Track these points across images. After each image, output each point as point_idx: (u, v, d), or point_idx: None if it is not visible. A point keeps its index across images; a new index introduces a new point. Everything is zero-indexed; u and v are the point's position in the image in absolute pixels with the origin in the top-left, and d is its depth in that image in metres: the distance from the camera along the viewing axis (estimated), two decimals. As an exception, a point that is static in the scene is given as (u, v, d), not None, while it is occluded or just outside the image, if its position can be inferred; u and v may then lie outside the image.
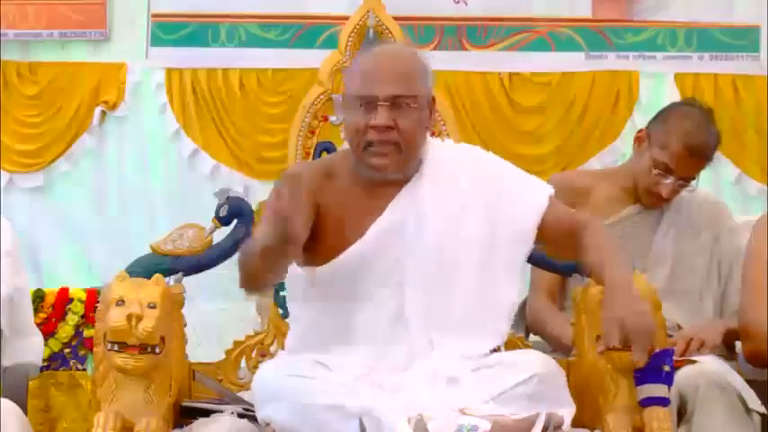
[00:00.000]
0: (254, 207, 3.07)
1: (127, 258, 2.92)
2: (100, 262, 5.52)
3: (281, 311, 3.12)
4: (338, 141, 3.24)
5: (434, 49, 5.59)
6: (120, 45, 5.64)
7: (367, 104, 2.70)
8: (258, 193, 5.07)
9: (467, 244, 2.75)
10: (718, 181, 5.43)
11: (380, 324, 2.71)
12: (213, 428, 2.75)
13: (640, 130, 3.53)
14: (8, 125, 5.56)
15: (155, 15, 5.62)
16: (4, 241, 3.19)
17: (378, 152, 2.72)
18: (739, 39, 5.65)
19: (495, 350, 2.77)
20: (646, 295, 2.70)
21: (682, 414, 2.91)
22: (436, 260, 2.74)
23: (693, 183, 3.43)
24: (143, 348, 2.59)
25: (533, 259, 3.07)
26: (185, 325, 2.83)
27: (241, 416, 2.80)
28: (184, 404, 2.87)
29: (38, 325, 3.63)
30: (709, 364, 2.98)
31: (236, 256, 3.00)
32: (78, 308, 4.74)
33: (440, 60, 5.29)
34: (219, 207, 3.03)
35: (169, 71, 5.63)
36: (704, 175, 3.48)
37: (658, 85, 5.65)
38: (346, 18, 3.36)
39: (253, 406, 2.75)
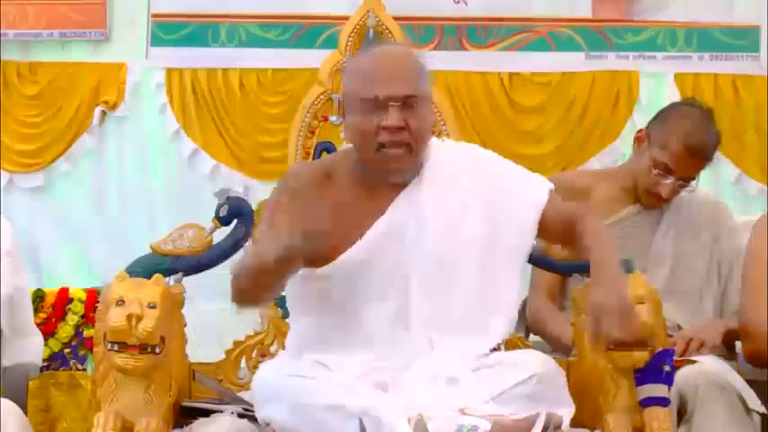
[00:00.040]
0: (254, 207, 3.07)
1: (127, 258, 2.92)
2: (100, 262, 5.52)
3: (281, 311, 3.12)
4: (338, 141, 3.23)
5: (434, 49, 5.58)
6: (120, 45, 5.64)
7: (377, 105, 2.68)
8: (258, 193, 5.06)
9: (467, 244, 2.75)
10: (718, 181, 5.43)
11: (381, 324, 2.71)
12: (213, 428, 2.75)
13: (640, 130, 3.53)
14: (8, 125, 5.56)
15: (155, 15, 5.62)
16: (4, 241, 3.19)
17: (393, 154, 2.71)
18: (739, 39, 5.65)
19: (496, 349, 2.77)
20: (646, 295, 2.70)
21: (682, 414, 2.91)
22: (437, 260, 2.74)
23: (693, 183, 3.43)
24: (143, 348, 2.59)
25: (533, 259, 3.07)
26: (185, 325, 2.83)
27: (241, 416, 2.80)
28: (184, 404, 2.87)
29: (38, 325, 3.63)
30: (709, 364, 2.98)
31: (236, 257, 3.02)
32: (78, 308, 4.75)
33: (440, 60, 5.30)
34: (219, 207, 3.03)
35: (169, 71, 5.63)
36: (704, 175, 3.48)
37: (658, 85, 5.65)
38: (346, 18, 3.36)
39: (253, 406, 2.75)
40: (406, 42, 3.36)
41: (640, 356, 2.68)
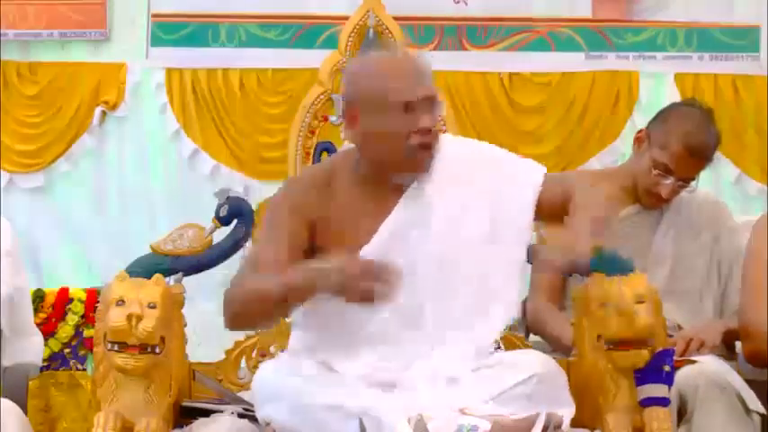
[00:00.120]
0: (254, 207, 3.07)
1: (127, 258, 2.92)
2: (100, 262, 5.52)
3: (280, 311, 3.11)
4: (338, 141, 3.24)
5: (434, 49, 5.59)
6: (120, 45, 5.64)
7: (406, 108, 2.67)
8: (258, 193, 5.07)
9: (470, 241, 2.75)
10: (718, 181, 5.43)
11: (385, 324, 2.70)
12: (213, 428, 2.75)
13: (640, 131, 3.52)
14: (8, 125, 5.56)
15: (155, 15, 5.63)
16: (4, 241, 3.19)
17: (424, 156, 2.72)
18: (739, 39, 5.65)
19: (497, 348, 2.77)
20: (646, 295, 2.70)
21: (682, 414, 2.90)
22: (441, 259, 2.73)
23: (693, 183, 3.43)
24: (143, 348, 2.59)
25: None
26: (185, 325, 2.83)
27: (241, 416, 2.80)
28: (184, 404, 2.87)
29: (38, 325, 3.62)
30: (709, 364, 2.98)
31: (236, 257, 3.02)
32: (78, 308, 4.75)
33: (440, 60, 5.29)
34: (219, 207, 3.03)
35: (169, 71, 5.64)
36: (704, 175, 3.47)
37: (658, 85, 5.65)
38: (346, 18, 3.36)
39: (253, 406, 2.75)
40: (405, 42, 3.36)
41: (640, 356, 2.68)
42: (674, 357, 2.79)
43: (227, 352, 3.12)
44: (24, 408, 3.04)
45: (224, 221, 3.02)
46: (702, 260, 3.47)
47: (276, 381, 2.65)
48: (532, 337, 3.45)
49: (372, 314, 2.68)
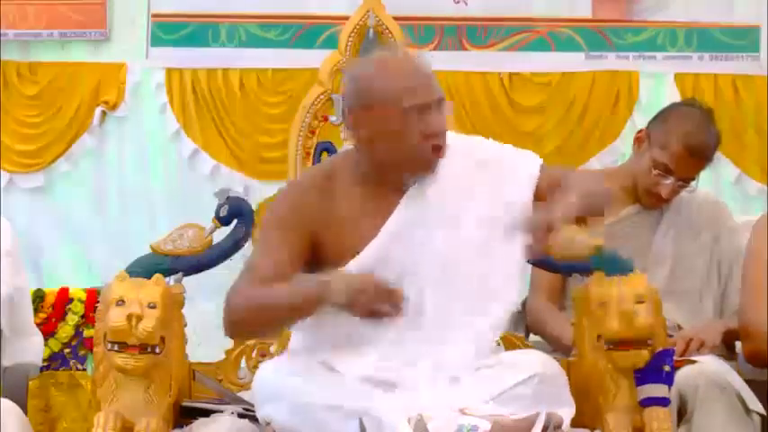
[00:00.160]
0: (254, 207, 3.07)
1: (127, 258, 2.92)
2: (100, 262, 5.52)
3: (280, 311, 3.11)
4: (338, 141, 3.23)
5: (434, 49, 5.59)
6: (120, 45, 5.64)
7: (421, 110, 2.66)
8: (258, 193, 5.07)
9: (470, 242, 2.75)
10: (718, 181, 5.43)
11: (387, 325, 2.70)
12: (213, 428, 2.75)
13: (640, 131, 3.53)
14: (8, 125, 5.56)
15: (155, 15, 5.62)
16: (4, 241, 3.19)
17: (436, 158, 2.72)
18: (739, 39, 5.65)
19: (497, 348, 2.77)
20: (646, 295, 2.70)
21: (682, 414, 2.91)
22: (441, 260, 2.73)
23: (693, 183, 3.43)
24: (143, 348, 2.60)
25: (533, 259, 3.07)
26: (185, 325, 2.83)
27: (241, 416, 2.80)
28: (184, 404, 2.87)
29: (38, 325, 3.62)
30: (709, 364, 2.98)
31: (236, 257, 3.02)
32: (78, 308, 4.75)
33: (440, 60, 5.28)
34: (219, 207, 3.03)
35: (169, 71, 5.64)
36: (704, 175, 3.48)
37: (658, 85, 5.65)
38: (346, 18, 3.36)
39: (253, 406, 2.75)
40: (405, 42, 3.36)
41: (640, 356, 2.68)
42: (674, 357, 2.79)
43: (227, 352, 3.12)
44: (24, 408, 3.04)
45: (224, 221, 3.02)
46: (702, 260, 3.47)
47: (276, 381, 2.65)
48: (532, 337, 3.45)
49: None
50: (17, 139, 5.61)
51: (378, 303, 2.52)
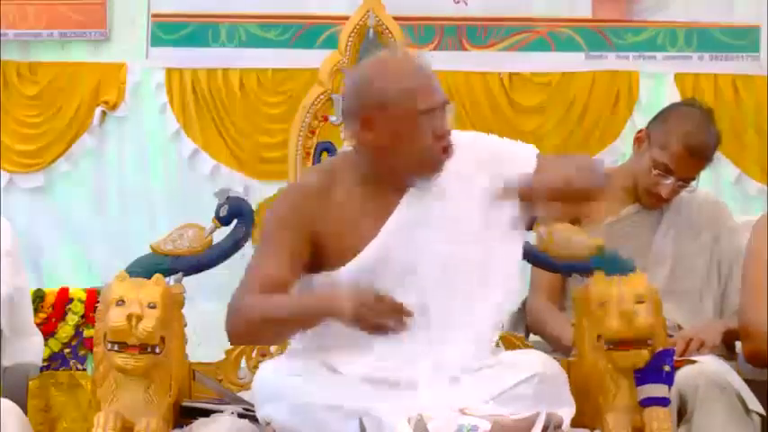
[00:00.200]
0: (254, 207, 3.07)
1: (127, 258, 2.92)
2: (100, 262, 5.52)
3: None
4: (338, 141, 3.23)
5: (434, 49, 5.59)
6: (120, 45, 5.64)
7: (430, 114, 2.67)
8: (258, 193, 5.07)
9: (470, 240, 2.75)
10: (718, 181, 5.42)
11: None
12: (213, 428, 2.75)
13: (640, 131, 3.53)
14: (8, 125, 5.56)
15: (155, 15, 5.62)
16: (4, 241, 3.19)
17: (443, 160, 2.72)
18: (739, 39, 5.65)
19: (497, 348, 2.77)
20: (646, 295, 2.70)
21: (682, 414, 2.91)
22: (442, 259, 2.73)
23: (693, 183, 3.43)
24: (143, 348, 2.60)
25: (533, 259, 3.07)
26: (185, 325, 2.83)
27: (241, 416, 2.80)
28: (184, 404, 2.87)
29: (38, 325, 3.62)
30: (709, 364, 2.98)
31: (236, 256, 3.02)
32: (78, 308, 4.75)
33: (440, 60, 5.28)
34: (219, 207, 3.03)
35: (169, 71, 5.63)
36: (704, 175, 3.48)
37: (658, 85, 5.65)
38: (346, 18, 3.36)
39: (253, 406, 2.75)
40: (405, 42, 3.36)
41: (640, 356, 2.68)
42: (674, 357, 2.79)
43: (227, 352, 3.12)
44: (24, 408, 3.04)
45: (224, 221, 3.02)
46: (702, 260, 3.47)
47: (276, 381, 2.65)
48: (532, 337, 3.46)
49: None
50: (17, 139, 5.61)
51: (381, 318, 2.52)
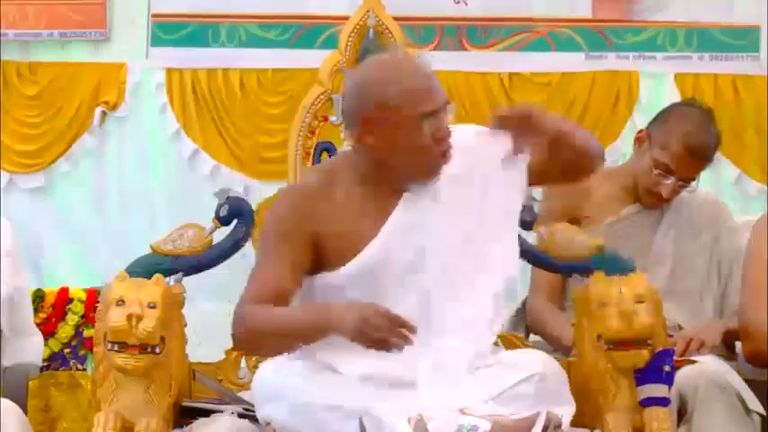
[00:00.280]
0: (254, 207, 3.07)
1: (127, 258, 2.92)
2: (100, 262, 5.52)
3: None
4: (338, 141, 3.23)
5: (434, 49, 5.58)
6: (120, 45, 5.64)
7: (429, 117, 2.66)
8: (258, 193, 5.06)
9: (469, 239, 2.75)
10: (718, 181, 5.42)
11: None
12: (213, 428, 2.75)
13: (641, 131, 3.53)
14: (8, 125, 5.56)
15: (155, 15, 5.62)
16: (4, 241, 3.19)
17: (443, 163, 2.72)
18: (739, 39, 5.65)
19: (496, 347, 2.77)
20: (647, 295, 2.70)
21: (682, 414, 2.91)
22: (441, 260, 2.73)
23: (694, 183, 3.44)
24: (143, 348, 2.60)
25: (533, 259, 3.07)
26: (185, 325, 2.83)
27: (241, 416, 2.81)
28: (184, 404, 2.87)
29: (38, 325, 3.62)
30: (709, 364, 2.98)
31: (236, 256, 3.02)
32: (78, 308, 4.75)
33: (440, 60, 5.28)
34: (219, 207, 3.03)
35: (169, 71, 5.63)
36: (704, 175, 3.48)
37: (658, 85, 5.64)
38: (346, 18, 3.36)
39: (253, 406, 2.75)
40: (405, 42, 3.36)
41: (640, 356, 2.68)
42: (674, 357, 2.79)
43: (227, 352, 3.12)
44: (24, 408, 3.04)
45: (224, 221, 3.02)
46: (702, 260, 3.47)
47: (276, 381, 2.65)
48: (532, 337, 3.46)
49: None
50: (17, 139, 5.61)
51: (382, 333, 2.52)
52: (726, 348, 3.33)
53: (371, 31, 3.28)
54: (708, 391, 2.88)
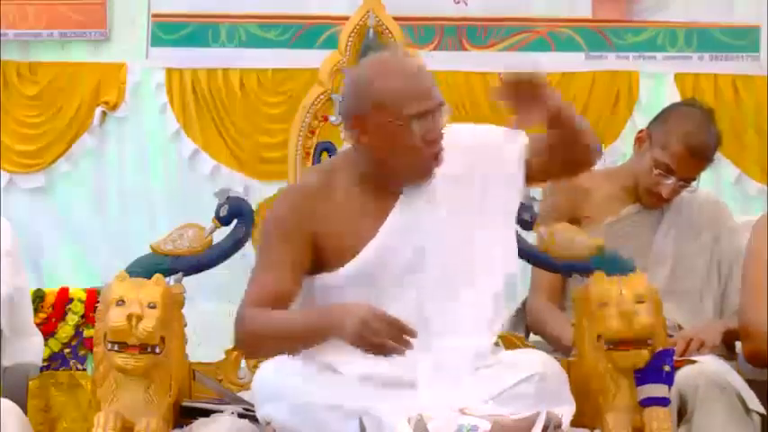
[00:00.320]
0: (254, 207, 3.07)
1: (127, 258, 2.92)
2: (100, 262, 5.52)
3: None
4: (338, 141, 3.23)
5: (434, 49, 5.58)
6: (120, 45, 5.63)
7: (418, 119, 2.65)
8: (258, 193, 5.06)
9: (468, 239, 2.75)
10: (718, 181, 5.42)
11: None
12: (213, 428, 2.75)
13: (641, 131, 3.53)
14: (8, 125, 5.56)
15: (155, 15, 5.62)
16: (4, 241, 3.19)
17: (434, 166, 2.71)
18: (739, 39, 5.65)
19: (496, 347, 2.77)
20: (647, 295, 2.70)
21: (682, 414, 2.91)
22: (439, 259, 2.73)
23: (694, 183, 3.44)
24: (143, 348, 2.60)
25: (533, 259, 3.07)
26: (185, 325, 2.83)
27: (241, 416, 2.81)
28: (184, 404, 2.87)
29: (38, 325, 3.62)
30: (709, 364, 2.98)
31: (236, 256, 3.02)
32: (78, 308, 4.75)
33: (440, 60, 5.29)
34: (219, 207, 3.03)
35: (169, 71, 5.63)
36: (704, 175, 3.48)
37: (658, 85, 5.64)
38: (346, 18, 3.36)
39: (253, 406, 2.75)
40: (405, 42, 3.36)
41: (640, 356, 2.68)
42: (674, 357, 2.79)
43: (227, 352, 3.12)
44: (24, 408, 3.04)
45: (224, 221, 3.02)
46: (703, 260, 3.47)
47: (276, 380, 2.65)
48: (532, 337, 3.46)
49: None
50: (17, 139, 5.60)
51: (382, 339, 2.51)
52: (726, 348, 3.33)
53: (371, 31, 3.29)
54: (708, 391, 2.88)
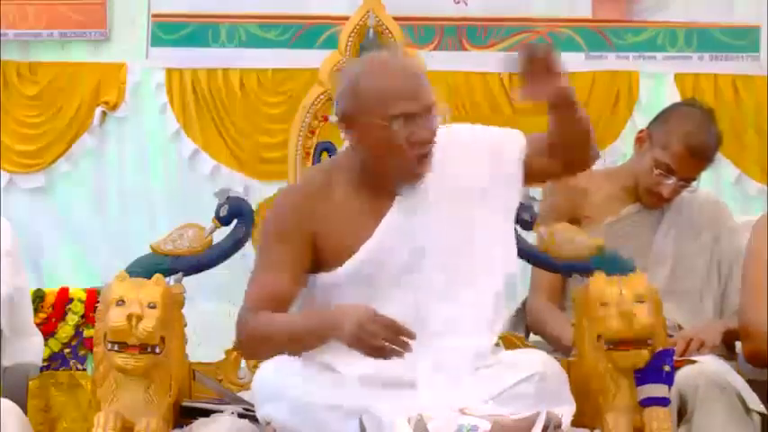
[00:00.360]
0: (254, 207, 3.07)
1: (127, 258, 2.92)
2: (100, 262, 5.52)
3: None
4: (338, 141, 3.23)
5: (434, 49, 5.58)
6: (120, 45, 5.63)
7: (404, 121, 2.64)
8: (258, 193, 5.06)
9: (466, 238, 2.75)
10: (718, 181, 5.42)
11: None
12: (213, 428, 2.75)
13: (641, 131, 3.53)
14: (8, 125, 5.56)
15: (155, 15, 5.62)
16: (4, 241, 3.19)
17: (422, 168, 2.71)
18: (739, 39, 5.65)
19: (496, 347, 2.77)
20: (647, 295, 2.70)
21: (682, 414, 2.91)
22: (438, 259, 2.73)
23: (694, 183, 3.44)
24: (143, 348, 2.60)
25: (533, 259, 3.07)
26: (185, 325, 2.83)
27: (241, 416, 2.81)
28: (184, 404, 2.87)
29: (38, 325, 3.62)
30: (709, 364, 2.98)
31: (236, 256, 3.02)
32: (78, 308, 4.75)
33: (440, 60, 5.29)
34: (219, 207, 3.03)
35: (169, 71, 5.63)
36: (704, 175, 3.48)
37: (658, 85, 5.64)
38: (346, 18, 3.36)
39: (253, 406, 2.75)
40: (405, 42, 3.36)
41: (640, 356, 2.68)
42: (674, 357, 2.79)
43: (227, 352, 3.12)
44: (24, 408, 3.04)
45: (224, 221, 3.02)
46: (703, 260, 3.47)
47: (276, 380, 2.65)
48: (532, 337, 3.46)
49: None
50: (17, 139, 5.60)
51: (380, 341, 2.51)
52: (726, 348, 3.33)
53: (371, 31, 3.29)
54: (708, 391, 2.88)
